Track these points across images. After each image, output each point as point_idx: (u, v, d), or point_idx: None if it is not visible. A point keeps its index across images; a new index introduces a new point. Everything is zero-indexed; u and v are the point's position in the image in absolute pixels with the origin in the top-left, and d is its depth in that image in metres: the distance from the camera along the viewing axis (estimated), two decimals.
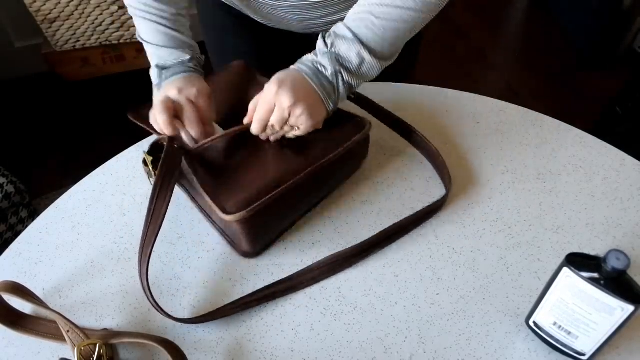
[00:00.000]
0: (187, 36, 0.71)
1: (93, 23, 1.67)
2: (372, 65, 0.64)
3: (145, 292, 0.57)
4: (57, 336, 0.56)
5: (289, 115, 0.61)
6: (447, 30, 2.42)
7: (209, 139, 0.63)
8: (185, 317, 0.58)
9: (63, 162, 1.76)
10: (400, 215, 0.68)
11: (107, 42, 1.72)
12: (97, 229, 0.68)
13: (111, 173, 0.74)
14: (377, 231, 0.66)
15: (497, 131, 0.79)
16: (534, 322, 0.57)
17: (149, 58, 0.70)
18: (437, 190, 0.71)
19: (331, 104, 0.64)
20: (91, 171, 0.74)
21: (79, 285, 0.62)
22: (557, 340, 0.55)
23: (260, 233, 0.63)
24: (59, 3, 1.59)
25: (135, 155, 0.77)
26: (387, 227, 0.66)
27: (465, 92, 0.85)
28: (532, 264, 0.64)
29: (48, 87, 1.95)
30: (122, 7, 1.62)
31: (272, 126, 0.63)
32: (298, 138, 0.65)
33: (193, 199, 0.70)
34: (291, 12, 0.76)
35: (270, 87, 0.61)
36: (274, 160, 0.64)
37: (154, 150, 0.64)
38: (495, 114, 0.82)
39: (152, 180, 0.61)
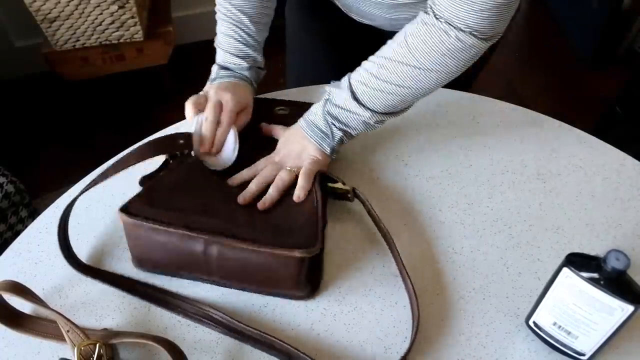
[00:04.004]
0: (255, 49, 0.76)
1: (93, 23, 1.67)
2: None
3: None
4: (57, 336, 0.56)
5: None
6: None
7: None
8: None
9: (63, 162, 1.76)
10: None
11: (107, 42, 1.72)
12: (97, 229, 0.68)
13: None
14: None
15: (497, 131, 0.79)
16: (534, 322, 0.57)
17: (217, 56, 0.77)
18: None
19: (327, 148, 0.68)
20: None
21: (79, 285, 0.62)
22: (557, 340, 0.55)
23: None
24: (59, 2, 1.59)
25: None
26: None
27: (465, 92, 0.85)
28: (532, 264, 0.64)
29: (48, 86, 1.94)
30: (122, 6, 1.62)
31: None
32: None
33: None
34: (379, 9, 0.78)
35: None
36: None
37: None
38: (495, 114, 0.82)
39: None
